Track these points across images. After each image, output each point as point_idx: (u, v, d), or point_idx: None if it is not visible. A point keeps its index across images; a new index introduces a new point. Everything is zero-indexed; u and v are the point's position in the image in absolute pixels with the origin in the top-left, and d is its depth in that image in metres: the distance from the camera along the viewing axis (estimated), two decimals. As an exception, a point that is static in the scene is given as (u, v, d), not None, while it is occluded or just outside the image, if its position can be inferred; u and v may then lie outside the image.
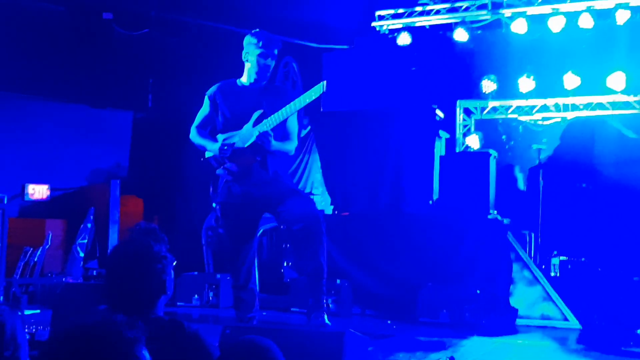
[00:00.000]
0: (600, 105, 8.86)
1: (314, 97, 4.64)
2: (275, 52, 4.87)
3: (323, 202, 9.18)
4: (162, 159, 9.74)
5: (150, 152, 9.92)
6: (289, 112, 4.71)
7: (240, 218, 4.83)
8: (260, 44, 4.79)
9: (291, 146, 4.92)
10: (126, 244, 2.53)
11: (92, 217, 8.40)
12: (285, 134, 4.89)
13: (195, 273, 7.38)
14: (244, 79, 4.93)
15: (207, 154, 4.94)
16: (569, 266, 7.48)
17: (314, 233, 4.67)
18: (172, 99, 9.57)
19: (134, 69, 9.69)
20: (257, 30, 4.91)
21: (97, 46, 9.20)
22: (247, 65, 4.89)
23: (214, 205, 5.15)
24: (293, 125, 4.94)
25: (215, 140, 4.87)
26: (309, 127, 9.33)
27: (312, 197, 9.09)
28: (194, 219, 8.46)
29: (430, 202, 7.93)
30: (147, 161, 9.96)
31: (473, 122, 9.51)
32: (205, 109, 5.00)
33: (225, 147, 4.77)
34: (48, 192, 8.94)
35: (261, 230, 7.32)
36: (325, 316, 4.69)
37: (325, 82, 4.65)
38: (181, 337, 2.37)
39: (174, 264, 2.60)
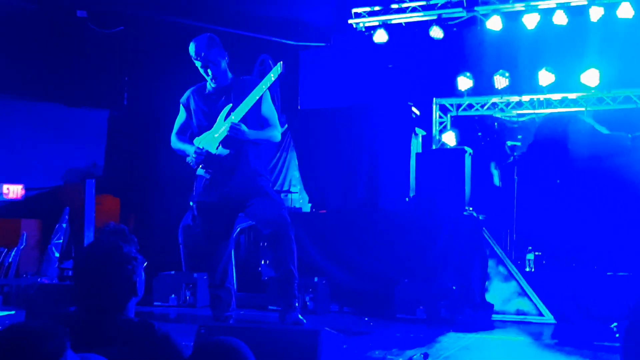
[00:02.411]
0: (575, 102, 8.95)
1: (273, 80, 4.73)
2: (220, 59, 4.86)
3: (301, 199, 9.20)
4: (138, 158, 9.68)
5: (126, 151, 9.85)
6: (253, 99, 4.73)
7: (216, 217, 4.83)
8: (193, 56, 4.84)
9: (272, 132, 4.93)
10: (95, 246, 2.52)
11: (67, 217, 8.33)
12: (263, 121, 4.90)
13: (172, 272, 7.35)
14: (209, 85, 4.97)
15: (188, 159, 4.94)
16: (544, 261, 7.56)
17: (283, 239, 4.69)
18: (147, 97, 9.51)
19: (110, 67, 9.62)
20: (194, 39, 4.91)
21: (72, 44, 9.12)
22: None
23: (191, 203, 5.15)
24: (269, 111, 4.95)
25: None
26: (286, 125, 9.32)
27: (290, 195, 9.12)
28: (171, 218, 8.42)
29: (407, 199, 7.96)
30: (123, 160, 9.90)
31: (449, 119, 9.56)
32: (181, 116, 5.06)
33: (199, 152, 4.80)
34: (23, 192, 8.86)
35: (238, 229, 7.33)
36: (299, 315, 4.70)
37: (281, 62, 4.71)
38: (151, 339, 2.36)
39: (145, 264, 2.58)
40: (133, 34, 9.24)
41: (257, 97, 4.75)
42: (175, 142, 5.02)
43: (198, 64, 4.86)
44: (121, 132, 10.07)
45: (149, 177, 9.52)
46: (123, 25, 9.18)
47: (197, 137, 4.95)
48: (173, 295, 7.07)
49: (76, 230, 8.53)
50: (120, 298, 2.47)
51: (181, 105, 5.03)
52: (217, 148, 4.80)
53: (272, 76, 4.72)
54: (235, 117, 4.74)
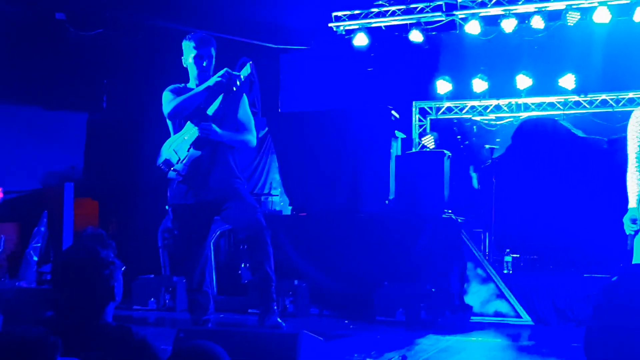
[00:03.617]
0: (552, 105, 9.06)
1: (242, 79, 4.75)
2: (212, 51, 4.89)
3: (281, 202, 9.20)
4: (117, 161, 9.63)
5: (106, 154, 9.79)
6: (220, 99, 4.73)
7: (192, 220, 4.81)
8: (194, 44, 4.82)
9: (247, 137, 4.93)
10: (73, 250, 2.51)
11: (45, 220, 8.27)
12: (239, 125, 4.91)
13: (152, 276, 7.32)
14: (190, 84, 4.95)
15: (159, 160, 4.92)
16: (521, 263, 7.63)
17: (259, 242, 4.70)
18: (127, 100, 9.47)
19: (88, 69, 9.56)
20: (193, 33, 4.93)
21: (50, 47, 9.05)
22: (190, 70, 4.93)
23: (167, 207, 5.13)
24: (245, 116, 4.95)
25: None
26: (267, 128, 9.33)
27: (270, 197, 9.12)
28: (151, 221, 8.39)
29: (387, 201, 8.00)
30: (103, 163, 9.84)
31: (428, 122, 9.63)
32: (170, 121, 5.01)
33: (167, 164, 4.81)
34: (1, 195, 8.78)
35: (218, 232, 7.32)
36: (278, 318, 4.71)
37: (250, 63, 4.73)
38: (129, 343, 2.37)
39: (123, 269, 2.58)
40: (112, 36, 9.20)
41: (225, 97, 4.76)
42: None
43: (193, 53, 4.83)
44: (100, 135, 10.01)
45: (129, 180, 9.48)
46: (102, 27, 9.13)
47: (167, 140, 4.93)
48: (152, 299, 7.05)
49: (55, 234, 8.47)
50: (98, 303, 2.48)
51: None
52: (188, 150, 4.80)
53: (241, 76, 4.73)
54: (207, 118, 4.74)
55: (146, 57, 9.15)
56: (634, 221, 4.39)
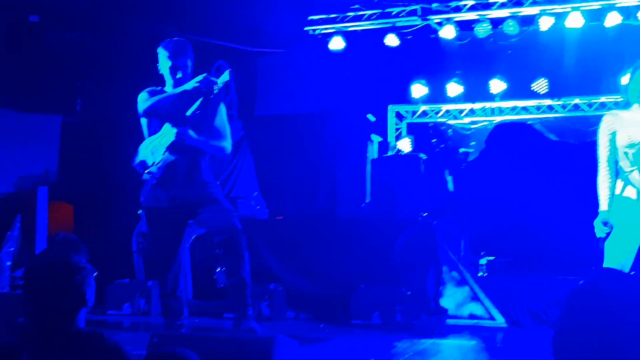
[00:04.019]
0: (525, 109, 9.16)
1: (220, 86, 4.74)
2: (188, 61, 4.85)
3: (258, 206, 9.18)
4: (92, 164, 9.55)
5: (80, 157, 9.71)
6: (198, 104, 4.71)
7: (165, 224, 4.79)
8: (168, 54, 4.80)
9: (222, 143, 4.91)
10: (44, 256, 2.49)
11: (19, 224, 8.18)
12: (214, 132, 4.90)
13: (127, 280, 7.28)
14: (167, 88, 4.93)
15: (136, 160, 4.89)
16: (496, 266, 7.70)
17: (234, 247, 4.69)
18: (101, 102, 9.39)
19: (62, 72, 9.48)
20: (168, 40, 4.89)
21: (23, 48, 8.96)
22: (165, 78, 4.91)
23: (139, 212, 5.10)
24: (221, 123, 4.94)
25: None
26: (243, 132, 9.31)
27: (247, 201, 9.10)
28: (126, 225, 8.33)
29: (363, 204, 8.03)
30: (77, 166, 9.75)
31: (404, 125, 9.68)
32: (144, 120, 4.98)
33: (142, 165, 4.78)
34: (-27, 200, 8.66)
35: (194, 236, 7.29)
36: (253, 322, 4.70)
37: (229, 70, 4.73)
38: (100, 349, 2.35)
39: (95, 274, 2.57)
40: (87, 38, 9.13)
41: (202, 102, 4.75)
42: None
43: (167, 64, 4.82)
44: (74, 138, 9.92)
45: (103, 183, 9.40)
46: (76, 29, 9.06)
47: (144, 141, 4.90)
48: (127, 304, 7.00)
49: (28, 238, 8.38)
50: (70, 308, 2.45)
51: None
52: (163, 153, 4.78)
53: (219, 83, 4.73)
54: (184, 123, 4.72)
55: (121, 59, 9.09)
56: (604, 224, 4.45)
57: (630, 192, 4.41)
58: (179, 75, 4.81)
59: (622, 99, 4.67)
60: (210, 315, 6.71)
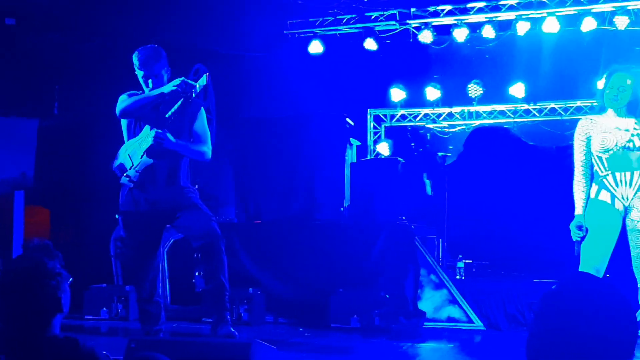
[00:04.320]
0: (503, 113, 9.24)
1: (198, 90, 4.74)
2: (160, 70, 4.82)
3: (236, 210, 9.16)
4: (69, 168, 9.47)
5: (57, 161, 9.63)
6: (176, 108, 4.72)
7: (142, 229, 4.76)
8: (138, 64, 4.80)
9: (202, 148, 4.89)
10: (18, 262, 2.47)
11: (-6, 229, 8.10)
12: (194, 136, 4.88)
13: (104, 285, 7.23)
14: (146, 92, 4.91)
15: (116, 163, 4.87)
16: (474, 269, 7.74)
17: (213, 251, 4.68)
18: (79, 106, 9.33)
19: (39, 75, 9.40)
20: (141, 47, 4.87)
21: (0, 52, 8.88)
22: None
23: (117, 216, 5.07)
24: (201, 128, 4.92)
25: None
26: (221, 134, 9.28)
27: (225, 205, 9.07)
28: (103, 229, 8.27)
29: (341, 208, 8.04)
30: (54, 170, 9.67)
31: (383, 129, 9.73)
32: (124, 125, 4.95)
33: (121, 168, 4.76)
34: (-52, 204, 8.56)
35: (172, 241, 7.26)
36: (231, 327, 4.69)
37: (207, 74, 4.72)
38: (76, 356, 2.34)
39: (70, 280, 2.55)
40: (64, 41, 9.06)
41: (180, 106, 4.74)
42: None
43: (140, 73, 4.82)
44: (52, 142, 9.84)
45: (81, 187, 9.33)
46: (53, 32, 8.99)
47: (126, 143, 4.88)
48: (105, 309, 6.95)
49: (4, 243, 8.29)
50: (44, 314, 2.44)
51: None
52: (141, 157, 4.76)
53: (197, 87, 4.72)
54: (163, 126, 4.71)
55: (99, 62, 9.04)
56: (579, 228, 4.50)
57: (605, 196, 4.47)
58: (150, 85, 4.80)
59: (597, 104, 4.73)
60: (188, 319, 6.69)
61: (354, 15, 9.35)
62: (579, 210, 4.53)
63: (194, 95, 4.74)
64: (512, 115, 9.18)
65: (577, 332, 1.82)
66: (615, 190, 4.44)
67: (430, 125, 9.52)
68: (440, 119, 9.46)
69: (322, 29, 9.52)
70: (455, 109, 9.37)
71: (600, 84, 4.70)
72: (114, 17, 8.73)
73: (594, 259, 4.42)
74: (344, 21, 9.43)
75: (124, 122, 4.93)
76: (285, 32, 9.76)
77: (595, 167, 4.53)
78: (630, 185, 4.42)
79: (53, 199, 9.38)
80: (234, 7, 9.07)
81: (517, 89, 8.86)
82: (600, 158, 4.49)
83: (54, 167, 9.61)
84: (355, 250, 6.99)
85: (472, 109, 9.28)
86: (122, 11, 8.67)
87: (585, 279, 1.94)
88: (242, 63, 9.61)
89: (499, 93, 9.02)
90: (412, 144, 9.50)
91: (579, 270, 4.49)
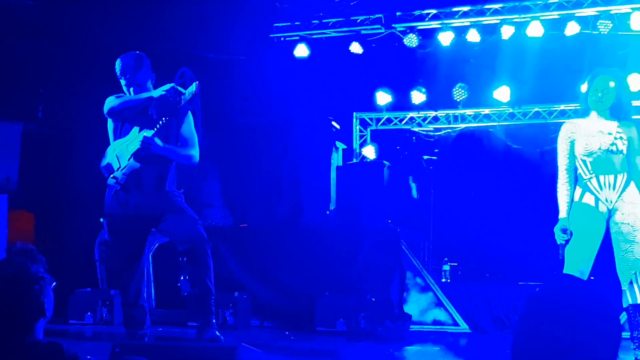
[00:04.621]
0: (488, 117, 9.29)
1: (187, 98, 4.72)
2: (145, 80, 4.83)
3: (222, 213, 9.14)
4: (53, 172, 9.42)
5: (42, 165, 9.57)
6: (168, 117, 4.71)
7: (127, 233, 4.74)
8: (118, 73, 4.81)
9: (189, 152, 4.89)
10: (1, 266, 2.45)
11: (-23, 233, 8.02)
12: (181, 140, 4.87)
13: (89, 289, 7.19)
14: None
15: (103, 162, 4.83)
16: (459, 272, 7.77)
17: (199, 255, 4.67)
18: (64, 109, 9.28)
19: (24, 78, 9.34)
20: (123, 55, 4.86)
21: (-17, 55, 8.82)
22: None
23: (101, 220, 5.04)
24: (189, 132, 4.92)
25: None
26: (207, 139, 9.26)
27: (211, 209, 9.05)
28: (88, 233, 8.23)
29: (327, 212, 8.05)
30: (38, 174, 9.61)
31: (369, 133, 9.74)
32: (110, 125, 4.93)
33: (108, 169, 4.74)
34: None
35: (157, 245, 7.23)
36: (217, 331, 4.68)
37: (197, 83, 4.71)
38: (59, 361, 2.32)
39: (54, 285, 2.53)
40: (48, 46, 9.01)
41: (169, 111, 4.73)
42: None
43: (122, 82, 4.82)
44: (36, 145, 9.78)
45: (65, 192, 9.28)
46: (38, 37, 8.94)
47: (112, 144, 4.86)
48: (89, 313, 6.92)
49: (-13, 247, 8.22)
50: (28, 319, 2.42)
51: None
52: (129, 159, 4.74)
53: (186, 94, 4.71)
54: (149, 132, 4.69)
55: (84, 67, 9.00)
56: (564, 231, 4.53)
57: (589, 199, 4.50)
58: (132, 92, 4.80)
59: (580, 107, 4.76)
60: (173, 324, 6.67)
61: (339, 19, 9.36)
62: (563, 213, 4.56)
63: (182, 102, 4.73)
64: (497, 119, 9.23)
65: (561, 335, 1.83)
66: (599, 193, 4.47)
67: (416, 129, 9.54)
68: (426, 122, 9.49)
69: (308, 32, 9.52)
70: (441, 113, 9.40)
71: (584, 87, 4.73)
72: (99, 21, 8.70)
73: (578, 262, 4.44)
74: (329, 25, 9.43)
75: (110, 124, 4.91)
76: (270, 35, 9.75)
77: (579, 170, 4.57)
78: (613, 188, 4.45)
79: (37, 203, 9.32)
80: (219, 10, 9.06)
81: (502, 93, 8.90)
82: (584, 161, 4.52)
83: (38, 171, 9.55)
84: (341, 254, 7.00)
85: (458, 112, 9.31)
86: (107, 16, 8.64)
87: (569, 282, 1.95)
88: (228, 67, 9.59)
89: (484, 97, 9.06)
90: (398, 147, 9.52)
91: (564, 273, 4.51)
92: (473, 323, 6.60)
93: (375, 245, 6.97)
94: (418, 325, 6.70)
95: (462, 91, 9.06)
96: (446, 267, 7.45)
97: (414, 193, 9.06)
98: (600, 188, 4.47)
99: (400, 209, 8.30)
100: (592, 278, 4.88)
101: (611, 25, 8.29)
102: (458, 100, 9.06)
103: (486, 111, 9.26)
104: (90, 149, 6.20)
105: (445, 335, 6.46)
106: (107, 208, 4.82)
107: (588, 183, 4.51)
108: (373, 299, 6.48)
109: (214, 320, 4.69)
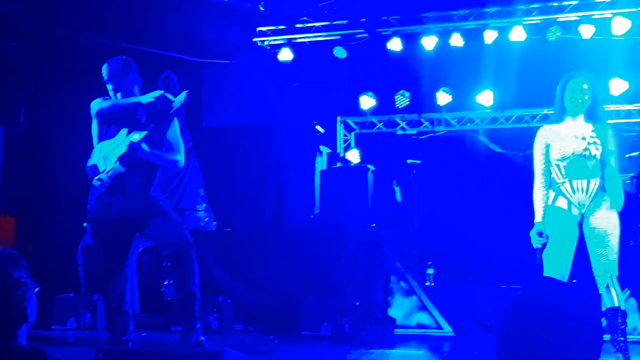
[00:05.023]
0: (471, 121, 9.35)
1: (176, 108, 4.71)
2: (132, 85, 4.82)
3: (206, 218, 9.11)
4: (36, 176, 9.36)
5: (24, 169, 9.50)
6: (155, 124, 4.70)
7: (111, 237, 4.71)
8: (105, 78, 4.80)
9: (175, 157, 4.88)
10: (-18, 272, 2.43)
11: (-42, 238, 7.95)
12: (166, 145, 4.86)
13: (72, 294, 7.14)
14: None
15: (89, 162, 4.80)
16: (443, 276, 7.79)
17: (185, 259, 4.66)
18: (46, 113, 9.22)
19: (5, 83, 9.27)
20: (110, 60, 4.85)
21: (-36, 59, 8.75)
22: None
23: (85, 225, 5.01)
24: (174, 137, 4.90)
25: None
26: (190, 143, 9.24)
27: (194, 213, 9.02)
28: (71, 238, 8.18)
29: (312, 216, 8.05)
30: (20, 178, 9.54)
31: (353, 137, 9.77)
32: (95, 127, 4.90)
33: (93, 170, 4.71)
34: None
35: (140, 249, 7.19)
36: (201, 336, 4.66)
37: (187, 92, 4.71)
38: (42, 367, 2.31)
39: (37, 290, 2.51)
40: (30, 48, 8.96)
41: (156, 118, 4.72)
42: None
43: (109, 86, 4.81)
44: (18, 150, 9.70)
45: (48, 196, 9.22)
46: (19, 39, 8.88)
47: (99, 144, 4.83)
48: (72, 318, 6.87)
49: (-32, 252, 8.14)
50: (10, 325, 2.40)
51: (94, 117, 4.89)
52: (115, 162, 4.72)
53: (176, 103, 4.69)
54: (136, 137, 4.67)
55: (66, 69, 8.95)
56: (539, 235, 4.59)
57: (562, 203, 4.56)
58: (119, 95, 4.79)
59: (554, 112, 4.81)
60: (157, 328, 6.64)
61: (323, 23, 9.38)
62: (538, 217, 4.61)
63: (171, 111, 4.72)
64: (480, 123, 9.28)
65: (544, 337, 1.84)
66: (571, 197, 4.53)
67: (400, 133, 9.58)
68: (410, 126, 9.54)
69: (292, 36, 9.53)
70: (424, 117, 9.45)
71: (557, 92, 4.76)
72: (81, 24, 8.66)
73: (556, 266, 4.49)
74: (313, 29, 9.46)
75: (94, 125, 4.88)
76: (254, 39, 9.76)
77: (553, 174, 4.63)
78: (586, 193, 4.51)
79: (19, 207, 9.25)
80: (202, 14, 9.05)
81: (485, 97, 8.96)
82: (558, 166, 4.58)
83: (20, 175, 9.48)
84: (325, 258, 7.01)
85: (441, 116, 9.36)
86: (89, 19, 8.60)
87: (551, 284, 1.97)
88: (211, 71, 9.58)
89: (467, 100, 9.11)
90: (382, 151, 9.55)
91: (538, 276, 4.56)
92: (456, 326, 6.62)
93: (359, 249, 6.98)
94: (402, 328, 6.72)
95: (404, 97, 9.16)
96: (430, 271, 7.47)
97: (398, 197, 9.09)
98: (573, 192, 4.52)
99: (384, 212, 8.32)
100: (574, 281, 4.92)
101: (594, 30, 8.37)
102: (442, 104, 9.11)
103: (470, 115, 9.31)
104: (72, 153, 6.16)
105: (429, 338, 6.47)
106: (91, 211, 4.79)
107: (561, 187, 4.56)
108: (357, 303, 6.49)
109: (198, 325, 4.68)
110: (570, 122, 4.62)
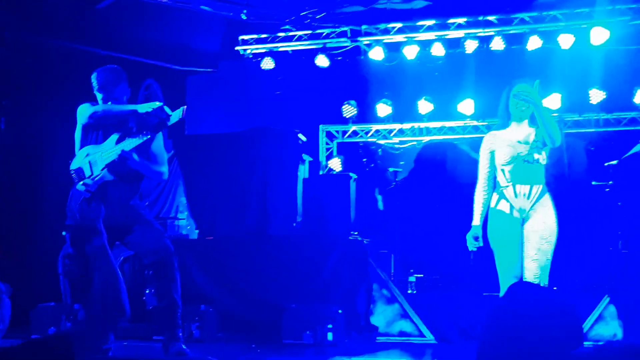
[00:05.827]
0: (452, 129, 9.40)
1: (170, 123, 4.69)
2: (122, 94, 4.83)
3: (188, 226, 9.08)
4: (16, 184, 9.28)
5: (3, 177, 9.42)
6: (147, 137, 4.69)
7: (91, 243, 4.67)
8: (97, 88, 4.80)
9: (161, 169, 4.89)
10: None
11: (-64, 247, 7.86)
12: (151, 156, 4.84)
13: (52, 304, 7.07)
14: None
15: (73, 165, 4.76)
16: (425, 283, 7.82)
17: (166, 268, 4.65)
18: (27, 121, 9.16)
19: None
20: (100, 69, 4.84)
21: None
22: None
23: (63, 233, 4.97)
24: (159, 149, 4.91)
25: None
26: (173, 151, 9.22)
27: (177, 221, 8.99)
28: (51, 247, 8.11)
29: (294, 224, 8.04)
30: (0, 186, 9.46)
31: (335, 145, 9.79)
32: (79, 132, 4.87)
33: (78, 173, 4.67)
34: None
35: (122, 258, 7.16)
36: (183, 345, 4.64)
37: (184, 107, 4.68)
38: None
39: (11, 293, 2.50)
40: (11, 56, 8.90)
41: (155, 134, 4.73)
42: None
43: (99, 95, 4.79)
44: (-2, 157, 9.63)
45: (28, 204, 9.14)
46: (1, 47, 8.83)
47: (84, 148, 4.79)
48: (53, 328, 6.81)
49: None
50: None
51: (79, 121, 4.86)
52: (102, 169, 4.69)
53: (171, 118, 4.67)
54: (128, 145, 4.65)
55: (48, 77, 8.90)
56: (475, 238, 4.67)
57: (503, 206, 4.66)
58: (110, 103, 4.78)
59: (498, 119, 4.90)
60: (138, 338, 6.59)
61: (306, 32, 9.41)
62: (476, 221, 4.73)
63: (168, 124, 4.70)
64: (461, 131, 9.34)
65: (524, 342, 1.86)
66: (513, 201, 4.62)
67: (382, 142, 9.62)
68: (391, 135, 9.58)
69: (274, 45, 9.55)
70: (406, 125, 9.50)
71: (502, 99, 4.84)
72: (62, 31, 8.62)
73: (509, 268, 4.58)
74: (295, 38, 9.49)
75: (78, 129, 4.83)
76: (236, 48, 9.77)
77: (498, 178, 4.73)
78: (528, 198, 4.61)
79: (0, 215, 9.17)
80: (185, 22, 9.05)
81: (466, 106, 9.03)
82: (503, 170, 4.71)
83: (0, 183, 9.40)
84: (307, 266, 7.01)
85: (423, 125, 9.41)
86: (71, 28, 8.57)
87: (529, 289, 2.00)
88: (193, 79, 9.57)
89: (448, 109, 9.17)
90: (364, 159, 9.58)
91: (500, 282, 4.63)
92: (439, 334, 6.64)
93: (342, 257, 6.99)
94: (384, 336, 6.73)
95: (351, 107, 9.24)
96: (412, 279, 7.50)
97: (380, 205, 9.11)
98: (515, 196, 4.62)
99: (366, 221, 8.34)
100: (555, 288, 4.96)
101: (573, 39, 8.47)
102: (423, 113, 9.16)
103: (451, 124, 9.37)
104: (53, 161, 6.12)
105: (411, 346, 6.49)
106: (71, 217, 4.74)
107: (504, 191, 4.67)
108: (340, 311, 6.49)
109: (180, 334, 4.66)
110: (515, 127, 4.73)
